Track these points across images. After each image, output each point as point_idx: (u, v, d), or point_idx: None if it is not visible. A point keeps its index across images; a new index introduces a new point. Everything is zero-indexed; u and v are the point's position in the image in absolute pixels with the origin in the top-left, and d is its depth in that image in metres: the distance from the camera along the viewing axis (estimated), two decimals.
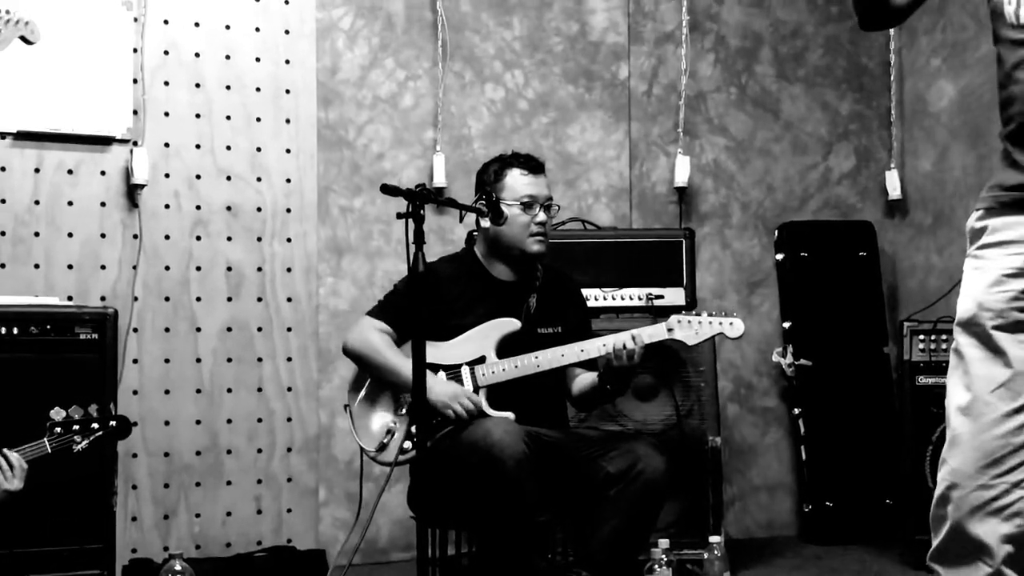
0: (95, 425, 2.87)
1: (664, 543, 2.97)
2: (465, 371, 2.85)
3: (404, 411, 2.89)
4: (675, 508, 3.50)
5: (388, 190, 2.52)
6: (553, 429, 2.97)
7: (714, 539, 3.24)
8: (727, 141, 4.28)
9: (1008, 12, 1.76)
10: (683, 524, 3.59)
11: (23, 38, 2.72)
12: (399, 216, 2.39)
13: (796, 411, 4.29)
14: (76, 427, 2.86)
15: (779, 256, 4.32)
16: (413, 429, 2.76)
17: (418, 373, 2.38)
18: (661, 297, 3.65)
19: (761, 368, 4.33)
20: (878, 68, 4.26)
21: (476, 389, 2.85)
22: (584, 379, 3.00)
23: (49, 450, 2.82)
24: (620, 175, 4.11)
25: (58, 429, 2.85)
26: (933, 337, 3.64)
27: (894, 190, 4.10)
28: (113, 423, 2.90)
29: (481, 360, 2.88)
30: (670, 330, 2.91)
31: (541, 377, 2.91)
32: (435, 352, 2.73)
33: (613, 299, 3.62)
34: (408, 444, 2.79)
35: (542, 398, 3.00)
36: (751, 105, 4.31)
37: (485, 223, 2.88)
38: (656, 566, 2.90)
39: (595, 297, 3.52)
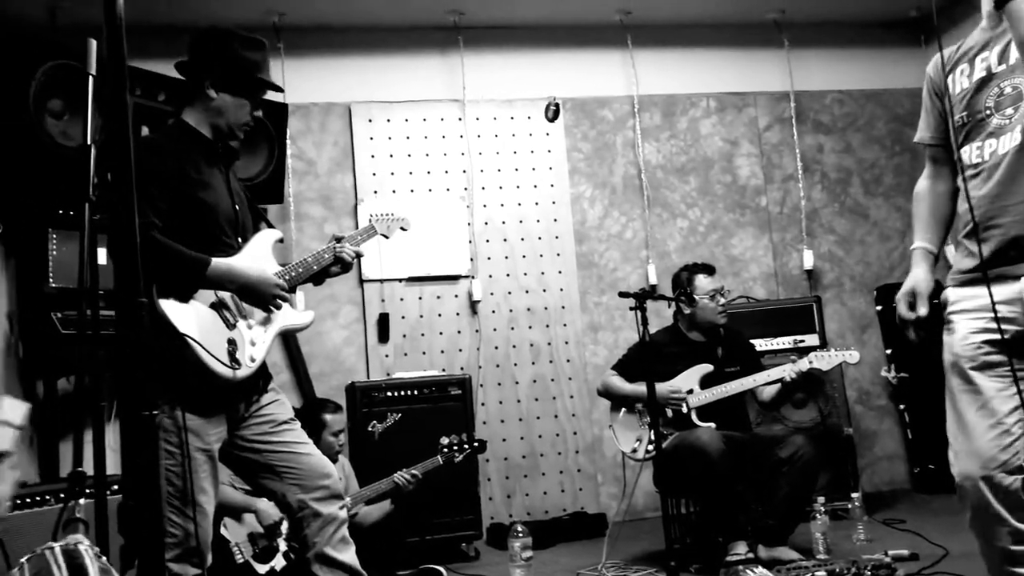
0: (466, 445, 3.86)
1: (821, 499, 3.66)
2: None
3: (645, 426, 3.72)
4: (826, 476, 4.24)
5: (623, 295, 3.50)
6: (740, 432, 3.76)
7: (854, 494, 4.00)
8: (835, 237, 5.48)
9: (965, 155, 2.03)
10: (833, 486, 4.35)
11: (402, 228, 3.12)
12: (631, 308, 3.35)
13: (901, 407, 5.14)
14: (455, 447, 3.85)
15: (878, 307, 5.27)
16: (652, 436, 3.59)
17: (651, 404, 3.30)
18: (803, 341, 4.62)
19: (875, 380, 5.26)
20: None
21: (688, 410, 3.69)
22: (768, 391, 3.78)
23: (441, 463, 3.83)
24: (768, 265, 5.37)
25: (445, 449, 3.85)
26: None
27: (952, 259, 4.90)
28: (476, 444, 3.91)
29: (690, 391, 3.75)
30: (811, 362, 3.62)
31: (731, 399, 3.74)
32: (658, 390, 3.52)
33: (772, 344, 4.64)
34: (651, 447, 3.66)
35: (732, 412, 3.80)
36: (848, 213, 5.52)
37: (686, 309, 3.86)
38: (816, 515, 3.58)
39: (760, 344, 4.41)
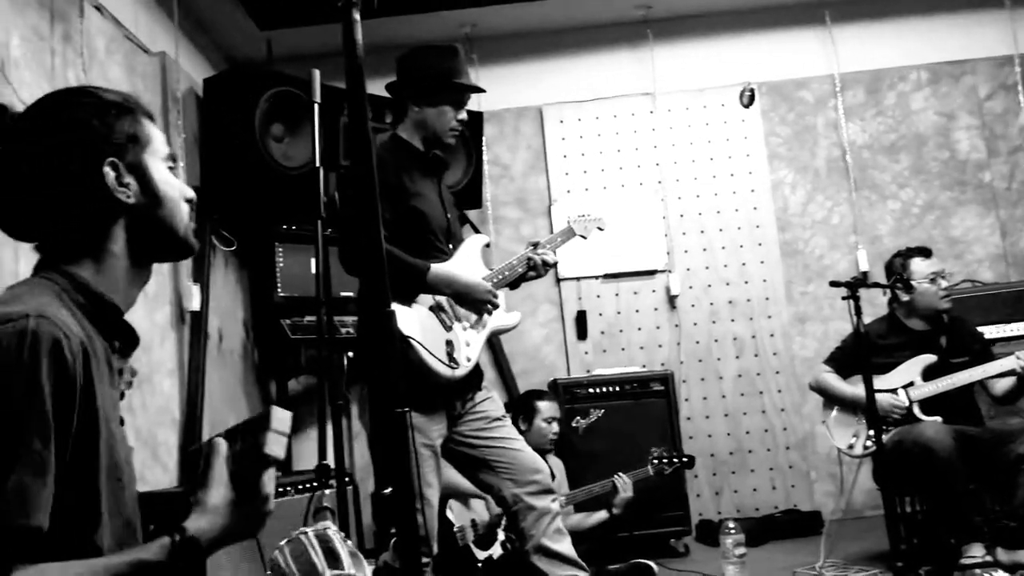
0: (675, 460, 4.00)
1: None
2: (900, 392, 3.60)
3: (862, 421, 3.63)
4: None
5: (834, 284, 3.33)
6: (972, 426, 3.56)
7: None
8: None
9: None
10: None
11: (599, 228, 3.21)
12: (843, 298, 3.19)
13: None
14: (665, 460, 3.97)
15: None
16: (871, 433, 3.52)
17: (870, 400, 3.18)
18: None
19: None
20: None
21: (910, 403, 3.57)
22: (1001, 384, 3.58)
23: (651, 473, 3.96)
24: (995, 246, 5.03)
25: (654, 460, 3.97)
26: None
27: None
28: (685, 459, 4.02)
29: (911, 384, 3.61)
30: None
31: (958, 390, 3.55)
32: (878, 382, 3.44)
33: (1003, 331, 4.28)
34: (869, 444, 3.59)
35: (961, 405, 3.61)
36: None
37: (903, 296, 3.71)
38: None
39: (989, 332, 4.08)
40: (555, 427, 4.15)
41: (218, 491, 1.18)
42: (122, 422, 1.27)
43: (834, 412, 3.77)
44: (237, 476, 1.18)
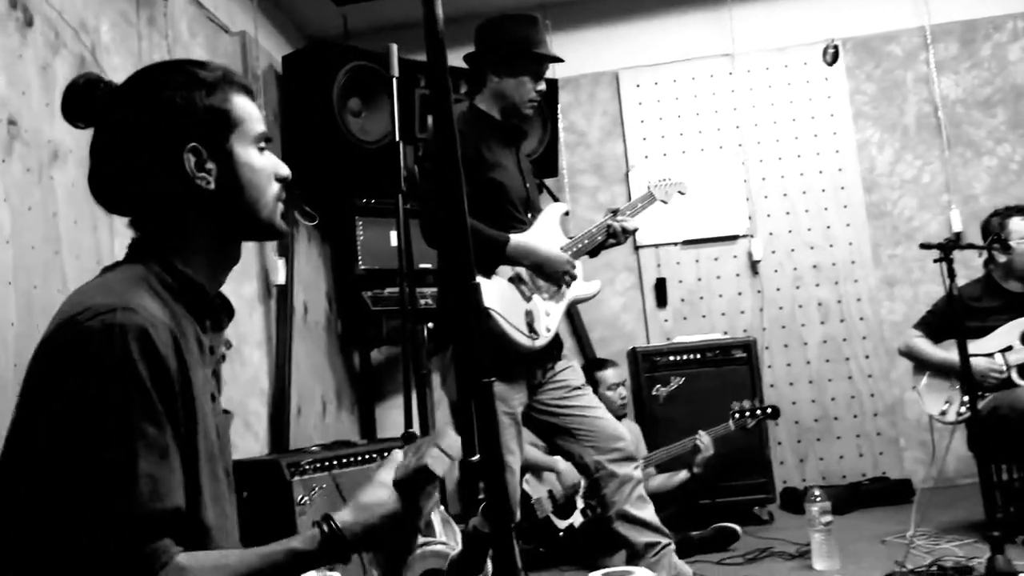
0: (758, 411, 3.96)
1: None
2: (997, 356, 3.53)
3: (956, 387, 3.56)
4: None
5: (924, 246, 3.17)
6: None
7: None
8: None
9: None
10: None
11: (680, 192, 3.22)
12: (935, 260, 3.07)
13: None
14: (747, 413, 3.95)
15: None
16: (966, 399, 3.44)
17: (964, 364, 2.99)
18: None
19: None
20: None
21: (1007, 368, 3.48)
22: None
23: (732, 428, 3.94)
24: None
25: (736, 415, 3.94)
26: None
27: None
28: (769, 409, 3.98)
29: (1008, 348, 3.52)
30: None
31: None
32: (973, 347, 3.30)
33: None
34: (963, 410, 3.51)
35: None
36: None
37: (1001, 257, 3.61)
38: None
39: None
40: (622, 391, 4.17)
41: (376, 492, 1.20)
42: (214, 398, 1.29)
43: (925, 378, 3.69)
44: (399, 483, 1.20)
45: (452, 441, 1.19)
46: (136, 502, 1.05)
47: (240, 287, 3.69)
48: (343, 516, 1.17)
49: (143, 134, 1.24)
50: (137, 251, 1.28)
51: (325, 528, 1.14)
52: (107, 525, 1.04)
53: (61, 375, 1.09)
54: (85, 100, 1.27)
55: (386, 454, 1.28)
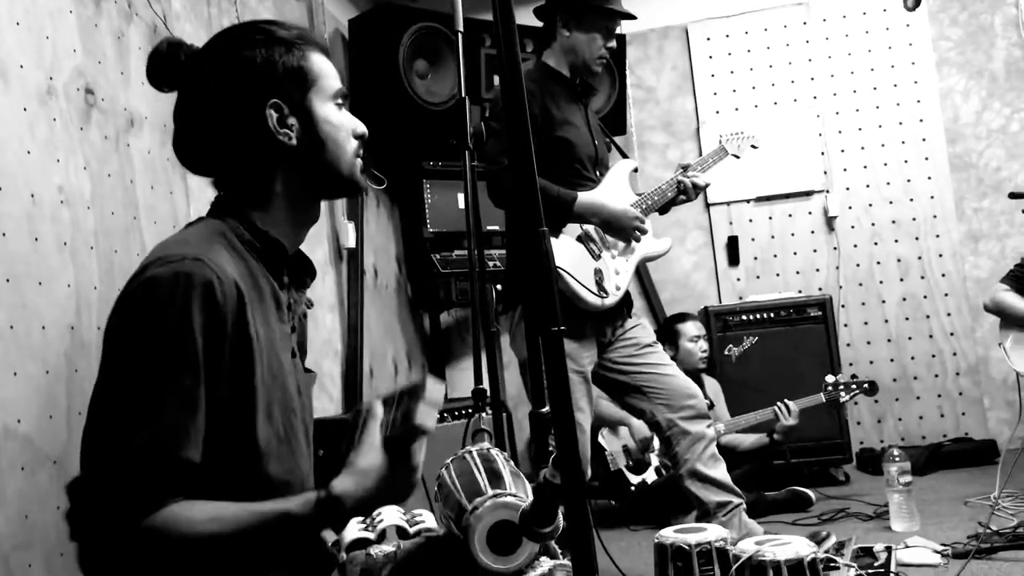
0: (853, 386, 3.76)
1: None
2: None
3: None
4: None
5: (1014, 195, 3.32)
6: None
7: None
8: None
9: None
10: None
11: (752, 146, 3.23)
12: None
13: None
14: (842, 387, 3.75)
15: None
16: None
17: None
18: None
19: None
20: None
21: None
22: None
23: (824, 400, 3.77)
24: None
25: (830, 388, 3.75)
26: None
27: None
28: (867, 385, 3.75)
29: None
30: None
31: None
32: None
33: None
34: None
35: None
36: None
37: None
38: None
39: None
40: (703, 344, 4.15)
41: (369, 455, 1.18)
42: (294, 354, 1.30)
43: (1013, 333, 3.55)
44: (389, 442, 1.19)
45: (436, 389, 1.17)
46: (150, 443, 1.07)
47: (312, 251, 3.75)
48: (340, 482, 1.15)
49: (226, 93, 1.27)
50: (219, 208, 1.31)
51: (323, 494, 1.14)
52: (119, 457, 1.08)
53: (128, 316, 1.14)
54: (169, 65, 1.30)
55: (361, 408, 1.25)
